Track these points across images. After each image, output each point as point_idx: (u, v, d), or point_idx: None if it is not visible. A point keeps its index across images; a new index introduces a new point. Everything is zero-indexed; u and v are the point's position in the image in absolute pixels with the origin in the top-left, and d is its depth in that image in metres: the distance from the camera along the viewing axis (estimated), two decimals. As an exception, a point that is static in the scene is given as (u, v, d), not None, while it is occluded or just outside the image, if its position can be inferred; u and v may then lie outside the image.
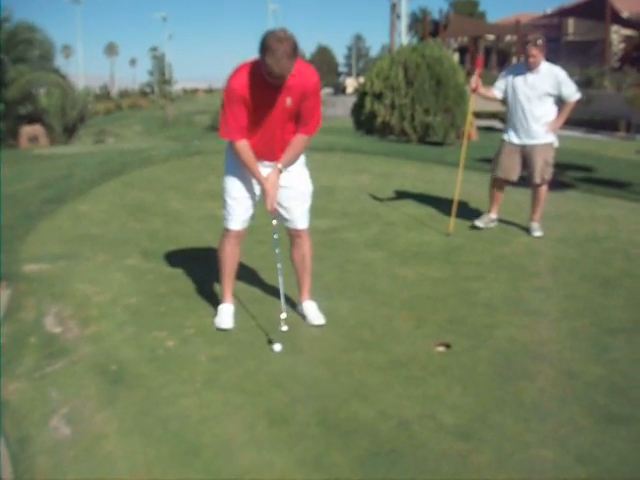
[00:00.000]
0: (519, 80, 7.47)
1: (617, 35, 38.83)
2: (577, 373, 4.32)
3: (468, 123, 8.25)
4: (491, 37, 49.57)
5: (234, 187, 4.90)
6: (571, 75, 25.43)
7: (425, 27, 47.47)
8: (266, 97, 4.51)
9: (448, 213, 8.28)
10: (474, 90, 7.59)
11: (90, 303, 5.26)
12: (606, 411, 3.87)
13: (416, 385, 4.13)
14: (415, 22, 66.65)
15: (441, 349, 4.67)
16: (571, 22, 41.46)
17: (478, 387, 4.13)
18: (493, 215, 7.83)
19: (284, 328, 4.73)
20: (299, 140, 4.76)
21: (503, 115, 28.04)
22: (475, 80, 7.56)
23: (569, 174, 11.63)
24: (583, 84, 30.63)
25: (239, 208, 4.93)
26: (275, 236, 4.90)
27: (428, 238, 7.31)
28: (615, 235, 7.41)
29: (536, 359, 4.52)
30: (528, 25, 43.18)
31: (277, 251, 4.91)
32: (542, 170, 7.52)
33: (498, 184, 7.82)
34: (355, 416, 3.76)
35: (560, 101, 7.48)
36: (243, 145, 4.65)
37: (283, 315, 4.77)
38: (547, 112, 7.48)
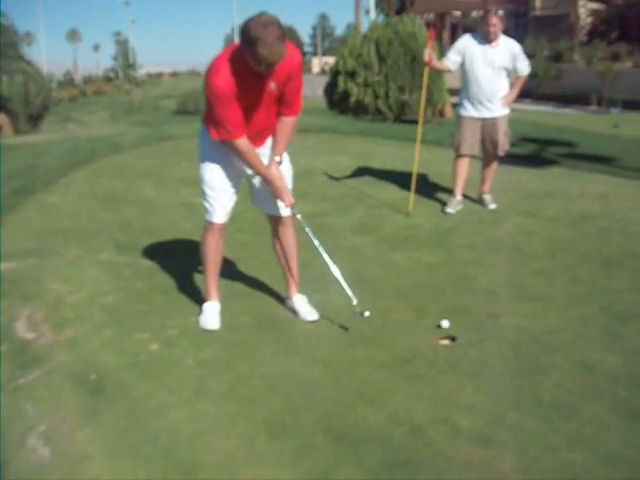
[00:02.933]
0: (478, 54, 7.31)
1: (584, 9, 38.63)
2: (593, 364, 4.04)
3: (423, 98, 7.91)
4: (457, 13, 49.29)
5: (214, 177, 4.50)
6: (541, 50, 25.31)
7: (391, 4, 47.06)
8: (251, 86, 4.14)
9: (434, 194, 8.03)
10: (428, 63, 7.41)
11: (64, 304, 4.87)
12: (630, 406, 3.60)
13: (424, 384, 3.81)
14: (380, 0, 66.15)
15: (446, 342, 4.35)
16: (538, -4, 41.25)
17: (491, 384, 3.82)
18: (459, 197, 7.62)
19: (367, 313, 4.53)
20: (288, 124, 4.42)
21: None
22: (428, 53, 7.38)
23: (551, 150, 11.40)
24: (553, 58, 30.57)
25: (222, 199, 4.53)
26: (307, 229, 4.62)
27: (416, 221, 7.00)
28: (609, 213, 7.15)
29: (548, 350, 4.22)
30: (494, 1, 42.94)
31: (316, 243, 4.64)
32: (503, 142, 7.50)
33: (463, 161, 7.64)
34: (363, 422, 3.43)
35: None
36: (244, 142, 4.25)
37: (355, 302, 4.55)
38: (503, 85, 7.43)
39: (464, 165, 7.62)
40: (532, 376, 3.91)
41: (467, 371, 3.96)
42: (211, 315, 4.60)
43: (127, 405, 3.61)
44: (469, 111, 7.49)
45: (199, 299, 4.86)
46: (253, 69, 4.00)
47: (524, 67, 7.38)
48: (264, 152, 4.49)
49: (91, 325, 4.56)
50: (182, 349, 4.23)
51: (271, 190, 4.48)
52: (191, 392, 3.71)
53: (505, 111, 7.48)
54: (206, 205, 4.57)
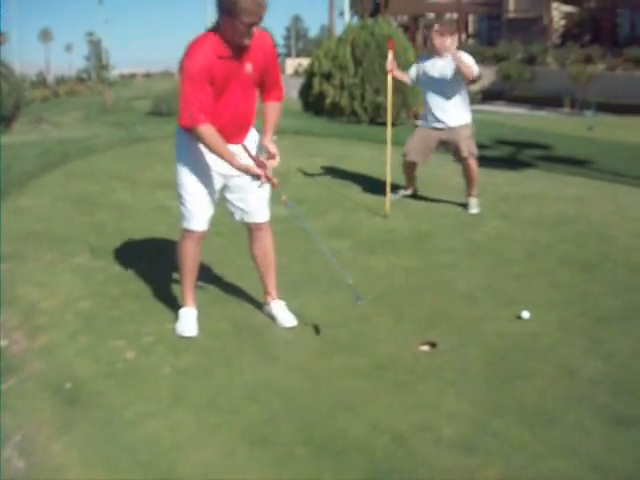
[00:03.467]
0: (429, 66, 7.53)
1: (557, 12, 38.90)
2: (575, 370, 4.01)
3: (390, 104, 7.93)
4: (431, 15, 49.43)
5: (191, 181, 4.36)
6: (515, 52, 25.39)
7: (365, 6, 47.14)
8: (229, 69, 4.07)
9: (411, 197, 7.98)
10: (390, 72, 7.67)
11: (38, 310, 4.78)
12: (613, 412, 3.57)
13: (406, 391, 3.77)
14: (354, 1, 66.24)
15: (426, 348, 4.31)
16: (511, -1, 41.50)
17: (473, 390, 3.78)
18: (409, 191, 8.08)
19: (359, 302, 4.43)
20: (275, 107, 4.43)
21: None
22: (390, 62, 7.63)
23: (527, 152, 11.43)
24: (526, 61, 30.75)
25: (200, 205, 4.40)
26: (291, 205, 4.62)
27: (394, 224, 6.95)
28: (586, 216, 7.15)
29: (530, 355, 4.19)
30: (468, 3, 43.13)
31: (306, 229, 4.73)
32: (467, 145, 7.51)
33: (411, 165, 7.95)
34: (344, 432, 3.37)
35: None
36: (208, 129, 4.09)
37: (351, 282, 4.53)
38: (461, 95, 7.57)
39: (412, 167, 7.94)
40: (514, 382, 3.88)
41: (449, 378, 3.92)
42: (188, 321, 4.51)
43: (103, 415, 3.52)
44: (424, 122, 7.75)
45: (175, 305, 4.78)
46: (229, 48, 3.99)
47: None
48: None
49: (66, 332, 4.47)
50: (159, 357, 4.14)
51: (245, 172, 4.29)
52: (169, 401, 3.63)
53: (462, 121, 7.56)
54: (183, 211, 4.44)
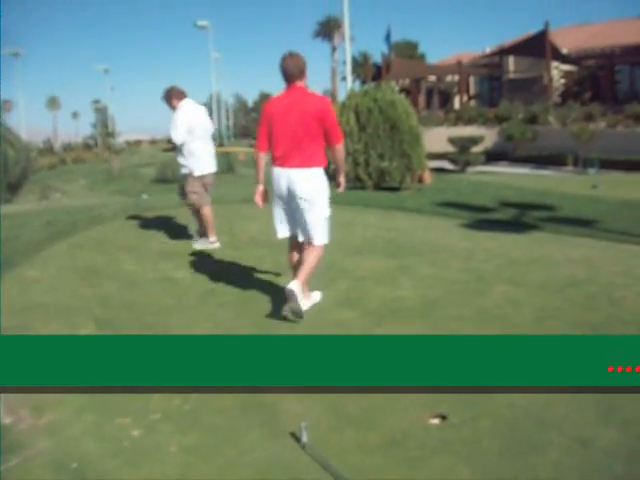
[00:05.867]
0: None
1: (557, 71, 39.42)
2: (589, 439, 3.93)
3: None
4: (432, 78, 50.08)
5: None
6: (516, 112, 25.49)
7: (367, 71, 47.82)
8: None
9: (418, 264, 7.94)
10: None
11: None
12: (630, 484, 3.49)
13: (418, 467, 3.69)
14: (355, 66, 67.22)
15: (436, 421, 4.23)
16: (511, 60, 42.06)
17: (486, 465, 3.70)
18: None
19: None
20: None
21: (452, 155, 27.86)
22: None
23: (532, 214, 11.42)
24: (528, 120, 31.04)
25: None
26: None
27: (401, 293, 6.89)
28: (595, 278, 7.09)
29: (542, 426, 4.11)
30: (469, 65, 43.76)
31: None
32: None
33: None
34: (357, 512, 3.30)
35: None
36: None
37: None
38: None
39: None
40: (528, 455, 3.80)
41: (461, 452, 3.84)
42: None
43: (110, 497, 3.46)
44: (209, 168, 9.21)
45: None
46: None
47: None
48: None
49: (71, 409, 4.41)
50: (165, 434, 4.08)
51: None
52: (177, 482, 3.57)
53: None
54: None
